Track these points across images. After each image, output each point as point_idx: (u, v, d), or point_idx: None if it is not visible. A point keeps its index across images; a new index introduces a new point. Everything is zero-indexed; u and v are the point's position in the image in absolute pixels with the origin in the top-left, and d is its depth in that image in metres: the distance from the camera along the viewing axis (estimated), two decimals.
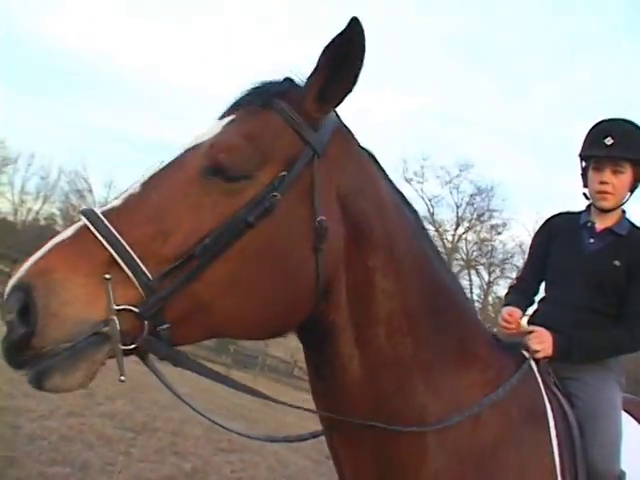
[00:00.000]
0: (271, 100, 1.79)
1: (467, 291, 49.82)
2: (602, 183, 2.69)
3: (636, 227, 2.76)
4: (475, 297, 49.77)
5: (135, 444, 7.36)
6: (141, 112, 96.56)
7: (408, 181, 50.21)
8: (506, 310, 2.64)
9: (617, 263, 2.63)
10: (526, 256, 3.12)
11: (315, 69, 1.80)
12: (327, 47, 1.72)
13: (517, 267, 49.28)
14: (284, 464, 9.02)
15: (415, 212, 2.20)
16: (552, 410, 2.26)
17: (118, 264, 1.50)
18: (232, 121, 1.77)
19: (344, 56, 1.71)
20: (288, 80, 1.89)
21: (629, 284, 2.63)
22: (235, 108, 1.83)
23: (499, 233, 50.60)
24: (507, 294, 3.04)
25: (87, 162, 61.54)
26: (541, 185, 78.61)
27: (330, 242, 1.75)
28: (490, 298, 50.74)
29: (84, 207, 1.66)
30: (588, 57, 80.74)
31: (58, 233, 1.59)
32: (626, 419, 2.56)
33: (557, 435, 2.20)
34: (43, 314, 1.42)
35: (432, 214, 50.80)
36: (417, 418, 1.94)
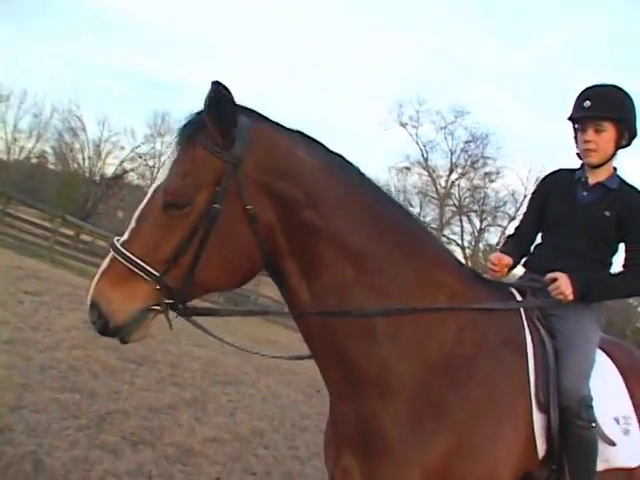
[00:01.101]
0: (195, 135, 2.34)
1: (458, 237, 50.24)
2: (586, 142, 3.02)
3: (626, 182, 3.08)
4: (466, 244, 50.21)
5: (138, 374, 7.76)
6: (135, 49, 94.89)
7: (403, 125, 50.15)
8: (494, 255, 2.99)
9: (607, 214, 2.97)
10: (525, 207, 3.45)
11: (204, 112, 2.32)
12: (204, 103, 2.28)
13: (509, 215, 49.66)
14: (277, 396, 9.49)
15: (350, 165, 2.60)
16: (532, 340, 2.65)
17: (135, 272, 2.26)
18: (175, 162, 2.35)
19: (216, 109, 2.27)
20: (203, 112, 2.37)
21: (626, 236, 3.00)
22: (178, 142, 2.38)
23: (492, 181, 50.68)
24: (504, 244, 3.40)
25: (80, 100, 60.38)
26: (536, 135, 78.26)
27: (261, 220, 2.32)
28: (481, 245, 51.16)
29: (112, 242, 2.34)
30: (594, 8, 79.13)
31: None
32: (602, 356, 2.92)
33: (534, 361, 2.58)
34: (107, 312, 2.24)
35: (426, 159, 50.69)
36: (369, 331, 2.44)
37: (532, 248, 3.32)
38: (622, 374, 3.07)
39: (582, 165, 3.20)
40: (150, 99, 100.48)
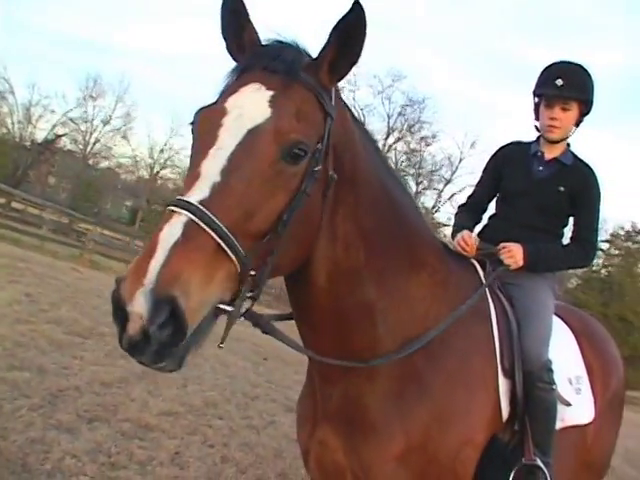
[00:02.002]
0: (298, 73, 2.00)
1: None
2: (552, 119, 3.09)
3: (579, 159, 3.19)
4: None
5: (86, 348, 7.61)
6: (66, 9, 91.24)
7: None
8: (461, 236, 3.00)
9: (562, 189, 3.08)
10: (479, 178, 3.50)
11: (325, 45, 2.04)
12: (335, 28, 1.98)
13: (445, 178, 50.58)
14: (226, 365, 9.47)
15: (375, 142, 2.58)
16: (495, 310, 2.72)
17: (224, 250, 1.75)
18: (275, 98, 1.94)
19: (350, 35, 1.98)
20: (296, 47, 2.10)
21: (576, 211, 3.13)
22: (264, 74, 1.99)
23: (428, 145, 51.44)
24: (457, 213, 3.46)
25: (7, 62, 57.92)
26: (472, 100, 79.27)
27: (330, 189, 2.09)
28: None
29: (179, 199, 1.78)
30: None
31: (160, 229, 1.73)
32: (556, 321, 3.04)
33: (498, 330, 2.67)
34: (189, 314, 1.65)
35: (363, 123, 50.72)
36: (367, 314, 2.35)
37: (486, 218, 3.40)
38: (575, 337, 3.28)
39: (538, 139, 3.28)
40: (82, 62, 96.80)
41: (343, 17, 1.95)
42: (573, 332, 3.31)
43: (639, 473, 10.60)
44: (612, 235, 53.01)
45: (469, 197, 3.51)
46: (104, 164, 60.78)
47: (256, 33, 2.14)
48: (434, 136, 50.82)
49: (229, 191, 1.80)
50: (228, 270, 1.79)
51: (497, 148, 3.42)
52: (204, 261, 1.72)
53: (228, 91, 2.01)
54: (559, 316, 3.16)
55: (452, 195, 51.27)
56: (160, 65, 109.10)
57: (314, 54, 2.11)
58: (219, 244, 1.74)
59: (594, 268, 47.77)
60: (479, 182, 3.49)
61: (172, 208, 1.75)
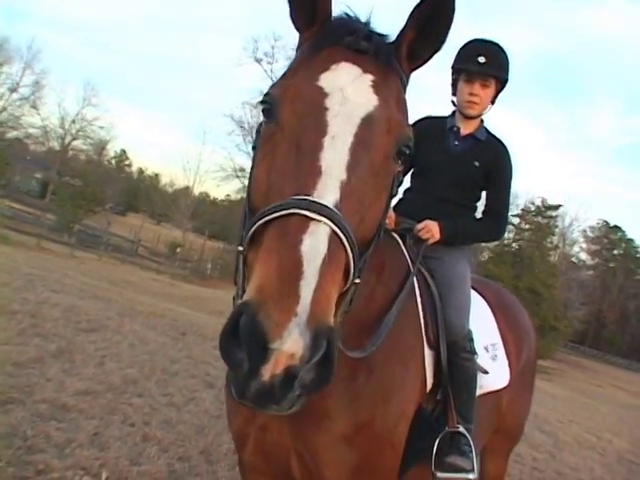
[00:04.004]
0: (391, 58, 1.84)
1: None
2: (472, 94, 3.15)
3: (492, 135, 3.28)
4: None
5: None
6: None
7: (258, 61, 49.50)
8: None
9: (477, 164, 3.16)
10: None
11: (405, 27, 1.85)
12: (417, 6, 1.79)
13: None
14: (144, 341, 9.29)
15: None
16: (418, 283, 2.75)
17: (349, 269, 1.56)
18: (376, 84, 1.77)
19: (435, 16, 1.78)
20: (374, 30, 1.88)
21: (489, 185, 3.23)
22: (356, 55, 1.81)
23: None
24: None
25: None
26: None
27: None
28: None
29: (312, 201, 1.51)
30: None
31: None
32: (472, 293, 3.12)
33: (422, 303, 2.71)
34: (336, 345, 1.40)
35: None
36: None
37: (402, 192, 3.41)
38: (490, 309, 3.43)
39: (453, 113, 3.35)
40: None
41: None
42: (488, 304, 3.45)
43: (549, 437, 11.03)
44: (523, 210, 54.87)
45: None
46: (12, 134, 58.41)
47: (330, 4, 1.90)
48: None
49: (354, 193, 1.61)
50: (341, 288, 1.59)
51: (412, 122, 3.42)
52: (340, 282, 1.53)
53: (315, 67, 1.78)
54: (474, 289, 3.25)
55: None
56: (72, 33, 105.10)
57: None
58: (349, 262, 1.55)
59: (505, 242, 49.29)
60: None
61: (306, 213, 1.49)
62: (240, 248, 1.67)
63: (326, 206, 1.51)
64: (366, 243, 1.72)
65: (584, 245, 76.37)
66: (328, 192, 1.55)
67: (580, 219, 69.69)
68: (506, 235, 47.52)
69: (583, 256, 76.66)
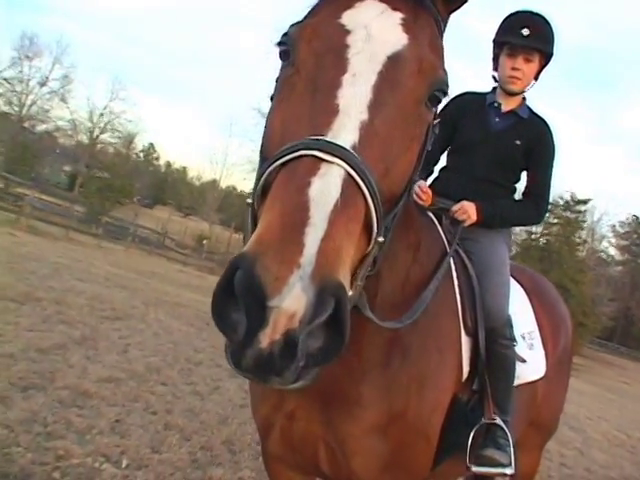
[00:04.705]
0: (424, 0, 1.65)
1: None
2: (514, 69, 2.96)
3: (535, 113, 3.09)
4: None
5: (21, 314, 7.28)
6: None
7: None
8: (420, 184, 2.83)
9: (518, 142, 2.97)
10: None
11: None
12: None
13: None
14: (169, 331, 9.26)
15: None
16: (455, 265, 2.57)
17: (371, 222, 1.35)
18: (406, 22, 1.58)
19: None
20: None
21: (530, 165, 3.03)
22: None
23: None
24: None
25: None
26: None
27: None
28: None
29: (327, 141, 1.31)
30: None
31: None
32: (512, 282, 2.93)
33: (459, 286, 2.53)
34: (347, 305, 1.19)
35: None
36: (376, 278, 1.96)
37: (438, 171, 3.26)
38: (527, 295, 3.24)
39: (494, 90, 3.17)
40: (16, 20, 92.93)
41: None
42: (524, 290, 3.26)
43: (577, 434, 10.83)
44: (551, 204, 54.07)
45: None
46: (41, 127, 58.94)
47: None
48: None
49: (376, 135, 1.40)
50: (362, 250, 1.38)
51: (450, 98, 3.26)
52: (357, 236, 1.30)
53: (337, 5, 1.59)
54: (510, 274, 3.05)
55: None
56: (100, 27, 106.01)
57: None
58: (370, 215, 1.33)
59: (533, 236, 48.73)
60: None
61: (317, 154, 1.30)
62: (249, 201, 1.48)
63: (341, 146, 1.31)
64: (393, 200, 1.51)
65: (613, 240, 75.18)
66: (345, 132, 1.35)
67: (610, 214, 68.46)
68: (534, 229, 47.02)
69: (612, 251, 75.48)
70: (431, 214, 2.74)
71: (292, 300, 1.10)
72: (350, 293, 1.31)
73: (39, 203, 28.83)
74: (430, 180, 3.18)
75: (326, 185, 1.25)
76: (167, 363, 7.33)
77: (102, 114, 59.43)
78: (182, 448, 4.83)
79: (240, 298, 1.14)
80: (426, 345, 2.27)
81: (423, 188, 2.80)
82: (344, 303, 1.16)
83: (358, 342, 2.07)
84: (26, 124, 55.84)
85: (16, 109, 54.21)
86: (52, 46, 56.02)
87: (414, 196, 2.73)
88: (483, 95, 3.17)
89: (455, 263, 2.60)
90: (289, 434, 2.27)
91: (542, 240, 50.65)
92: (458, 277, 2.56)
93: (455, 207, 2.82)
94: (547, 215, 52.03)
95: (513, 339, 2.67)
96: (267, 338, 1.12)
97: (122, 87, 61.27)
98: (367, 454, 2.15)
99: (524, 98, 3.12)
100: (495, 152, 3.00)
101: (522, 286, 3.25)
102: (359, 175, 1.30)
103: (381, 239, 1.42)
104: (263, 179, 1.40)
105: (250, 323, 1.13)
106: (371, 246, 1.40)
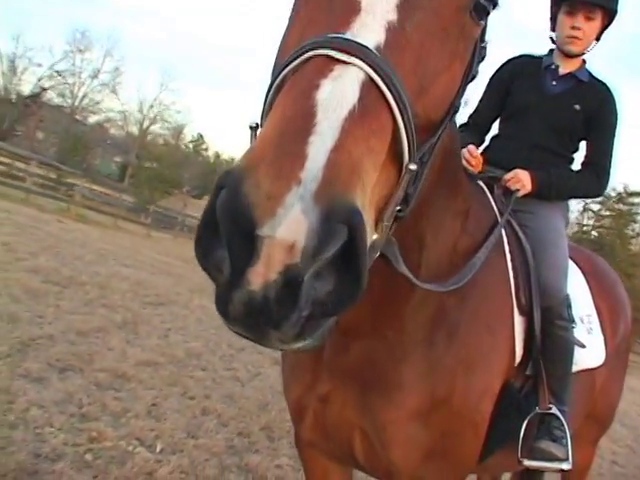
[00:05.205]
0: None
1: None
2: (574, 28, 2.72)
3: (594, 77, 2.84)
4: None
5: (63, 297, 7.27)
6: None
7: None
8: (469, 149, 2.62)
9: (577, 107, 2.73)
10: (482, 94, 3.08)
11: None
12: None
13: None
14: (211, 317, 9.14)
15: None
16: (507, 237, 2.34)
17: (401, 141, 1.10)
18: None
19: None
20: None
21: (591, 134, 2.78)
22: None
23: None
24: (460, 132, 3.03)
25: None
26: None
27: None
28: None
29: (344, 38, 1.05)
30: None
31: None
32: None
33: (512, 260, 2.29)
34: (365, 229, 0.93)
35: None
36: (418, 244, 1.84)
37: (489, 139, 3.05)
38: (584, 275, 2.99)
39: (551, 51, 2.94)
40: (69, 14, 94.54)
41: None
42: (582, 271, 3.01)
43: (629, 431, 10.50)
44: (604, 196, 52.73)
45: (471, 115, 3.10)
46: (93, 119, 60.12)
47: None
48: None
49: (408, 42, 1.12)
50: (391, 183, 1.12)
51: (504, 60, 3.02)
52: (381, 158, 1.03)
53: None
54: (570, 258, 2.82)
55: None
56: (149, 20, 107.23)
57: None
58: (398, 133, 1.07)
59: (584, 229, 47.72)
60: (483, 98, 3.08)
61: (329, 52, 1.03)
62: (252, 124, 1.19)
63: (361, 44, 1.03)
64: (430, 129, 1.24)
65: None
66: (367, 30, 1.07)
67: None
68: (585, 221, 45.93)
69: None
70: (482, 183, 2.52)
71: (289, 226, 0.85)
72: (375, 236, 1.07)
73: (89, 193, 29.23)
74: (481, 150, 2.94)
75: (339, 87, 0.98)
76: (208, 349, 7.24)
77: (152, 105, 60.30)
78: (219, 434, 4.71)
79: (221, 224, 0.90)
80: (475, 323, 2.06)
81: (473, 152, 2.59)
82: (360, 233, 0.89)
83: (399, 317, 1.90)
84: (78, 116, 57.04)
85: (68, 101, 55.39)
86: (103, 39, 57.08)
87: (463, 161, 2.51)
88: (540, 58, 2.93)
89: (507, 235, 2.36)
90: (322, 419, 2.09)
91: (594, 233, 49.58)
92: (511, 251, 2.33)
93: (508, 175, 2.60)
94: (599, 207, 51.06)
95: (572, 320, 2.43)
96: (259, 277, 0.86)
97: (171, 79, 61.96)
98: (408, 444, 1.95)
99: (584, 60, 2.87)
100: (551, 117, 2.76)
101: (579, 267, 2.99)
102: (384, 81, 1.03)
103: (413, 166, 1.13)
104: (271, 94, 1.14)
105: (234, 258, 0.89)
106: (401, 176, 1.13)
